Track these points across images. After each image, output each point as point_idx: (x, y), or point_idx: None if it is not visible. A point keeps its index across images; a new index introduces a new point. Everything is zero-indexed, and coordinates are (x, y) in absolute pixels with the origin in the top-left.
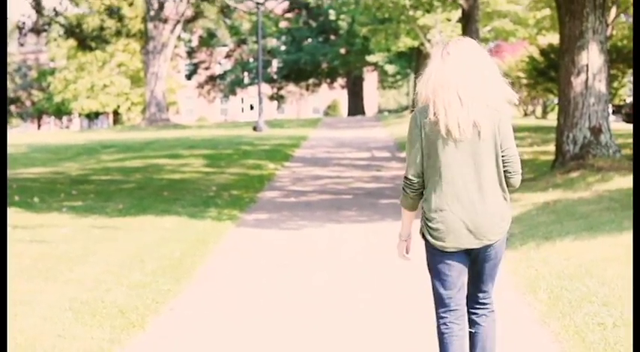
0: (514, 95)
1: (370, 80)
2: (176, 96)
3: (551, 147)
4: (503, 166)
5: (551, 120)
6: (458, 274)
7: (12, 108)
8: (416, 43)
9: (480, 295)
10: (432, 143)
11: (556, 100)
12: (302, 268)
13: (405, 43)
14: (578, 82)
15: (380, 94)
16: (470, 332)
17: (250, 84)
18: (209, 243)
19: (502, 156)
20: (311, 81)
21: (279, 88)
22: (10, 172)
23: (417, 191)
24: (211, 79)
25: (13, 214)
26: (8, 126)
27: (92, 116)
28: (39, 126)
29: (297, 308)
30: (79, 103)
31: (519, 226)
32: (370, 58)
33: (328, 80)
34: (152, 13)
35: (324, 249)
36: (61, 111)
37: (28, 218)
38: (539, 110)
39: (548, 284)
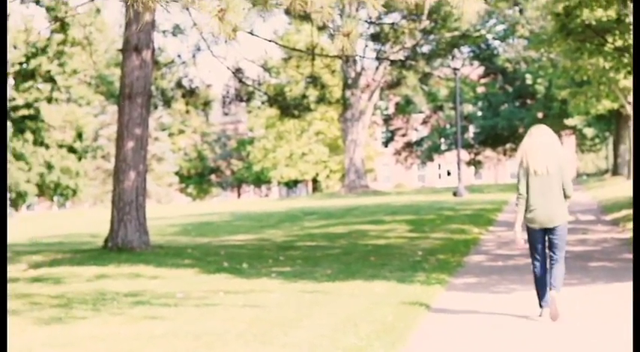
0: (565, 154)
1: (568, 144)
2: (373, 163)
3: None
4: (563, 187)
5: None
6: (542, 240)
7: (212, 177)
8: (616, 106)
9: (551, 254)
10: (527, 175)
11: None
12: (517, 331)
13: (604, 105)
14: None
15: (578, 158)
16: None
17: (447, 150)
18: (420, 307)
19: (562, 182)
20: (508, 146)
21: (477, 154)
22: (217, 239)
23: (525, 198)
24: (408, 145)
25: (223, 280)
26: (208, 196)
27: (291, 184)
28: (239, 194)
29: None
30: (278, 172)
31: None
32: (568, 122)
33: None
34: (350, 80)
35: (537, 312)
36: (260, 180)
37: (239, 283)
38: None
39: None
